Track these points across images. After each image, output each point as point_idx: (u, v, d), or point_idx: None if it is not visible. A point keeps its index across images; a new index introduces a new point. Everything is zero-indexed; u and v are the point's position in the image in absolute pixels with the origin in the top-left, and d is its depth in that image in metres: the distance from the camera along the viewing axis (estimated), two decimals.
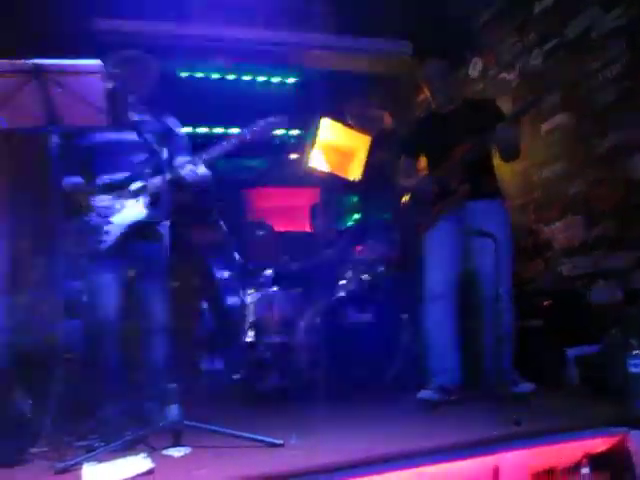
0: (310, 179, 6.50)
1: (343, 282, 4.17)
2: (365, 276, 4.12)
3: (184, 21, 4.37)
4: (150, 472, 1.74)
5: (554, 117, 3.74)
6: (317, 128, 6.13)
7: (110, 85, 2.62)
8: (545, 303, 3.35)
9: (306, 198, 6.71)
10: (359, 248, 4.28)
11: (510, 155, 2.96)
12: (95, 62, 2.05)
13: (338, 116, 6.01)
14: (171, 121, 2.81)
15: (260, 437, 1.98)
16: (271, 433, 2.26)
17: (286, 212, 6.70)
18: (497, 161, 3.08)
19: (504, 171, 3.35)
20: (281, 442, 1.97)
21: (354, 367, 3.74)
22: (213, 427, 2.07)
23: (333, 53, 4.84)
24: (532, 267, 3.86)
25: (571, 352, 3.03)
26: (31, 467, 1.92)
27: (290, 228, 6.01)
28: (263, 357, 4.19)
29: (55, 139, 2.29)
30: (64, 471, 1.83)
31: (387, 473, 1.70)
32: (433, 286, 2.95)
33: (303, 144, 6.64)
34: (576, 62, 3.54)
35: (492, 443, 1.98)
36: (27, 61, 1.99)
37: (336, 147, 6.47)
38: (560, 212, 3.73)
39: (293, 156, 6.99)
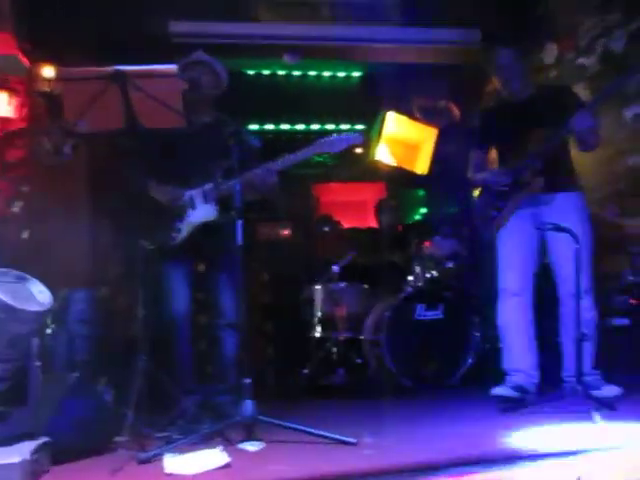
0: (376, 174, 6.46)
1: (411, 278, 4.13)
2: (433, 272, 4.05)
3: (251, 20, 4.43)
4: (227, 466, 1.78)
5: (638, 103, 3.53)
6: (383, 122, 6.08)
7: (184, 86, 2.72)
8: (632, 301, 3.18)
9: (372, 193, 6.69)
10: (427, 244, 4.20)
11: (589, 145, 2.83)
12: (171, 66, 2.11)
13: (404, 109, 5.93)
14: (240, 124, 2.86)
15: (334, 435, 1.99)
16: (341, 430, 2.29)
17: (353, 207, 6.70)
18: (575, 151, 2.95)
19: (584, 160, 3.19)
20: (354, 441, 1.96)
21: (422, 365, 3.70)
22: (287, 423, 2.09)
23: (399, 46, 4.77)
24: (616, 263, 3.66)
25: None
26: (116, 456, 1.99)
27: (357, 224, 6.00)
28: (330, 352, 4.22)
29: (132, 140, 2.39)
30: (147, 461, 1.90)
31: (467, 476, 1.66)
32: (507, 284, 2.86)
33: (369, 138, 6.61)
34: None
35: (574, 449, 1.90)
36: (108, 67, 2.07)
37: (402, 140, 6.38)
38: None
39: (359, 151, 6.98)
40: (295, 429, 2.07)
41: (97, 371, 2.87)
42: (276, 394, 4.05)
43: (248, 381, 2.13)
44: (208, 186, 2.75)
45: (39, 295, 1.69)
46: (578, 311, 2.49)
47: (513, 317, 2.81)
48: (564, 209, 2.80)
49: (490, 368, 3.28)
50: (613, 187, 3.76)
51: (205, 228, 2.75)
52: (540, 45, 4.39)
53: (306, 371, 4.25)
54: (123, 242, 2.63)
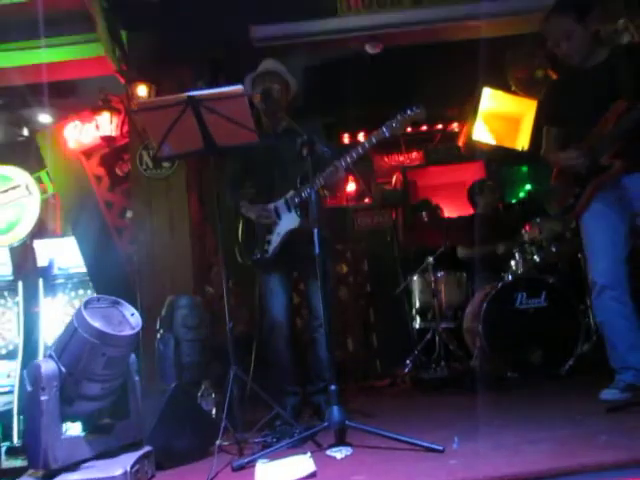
0: (474, 153, 6.23)
1: (513, 264, 3.95)
2: (535, 258, 3.85)
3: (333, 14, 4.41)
4: (313, 475, 1.83)
5: None
6: (478, 99, 5.84)
7: (258, 98, 2.79)
8: None
9: (471, 173, 6.47)
10: (527, 227, 3.99)
11: None
12: (237, 86, 2.18)
13: (500, 83, 5.65)
14: (313, 129, 2.88)
15: (419, 442, 1.97)
16: (436, 429, 2.28)
17: (452, 189, 6.52)
18: None
19: None
20: (441, 448, 1.93)
21: (527, 355, 3.54)
22: (373, 429, 2.11)
23: (484, 21, 4.52)
24: None
25: None
26: (212, 462, 2.11)
27: (456, 206, 5.84)
28: (430, 343, 4.18)
29: (217, 157, 2.50)
30: (241, 468, 2.01)
31: None
32: (598, 277, 2.63)
33: (465, 118, 6.38)
34: None
35: None
36: (181, 94, 2.18)
37: (501, 116, 6.10)
38: None
39: (456, 131, 6.78)
40: (381, 435, 2.08)
41: (201, 374, 3.06)
42: (380, 388, 4.08)
43: (334, 387, 2.16)
44: (290, 195, 2.82)
45: (131, 318, 1.83)
46: None
47: (611, 312, 2.59)
48: None
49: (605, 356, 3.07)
50: None
51: (292, 235, 2.83)
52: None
53: (408, 362, 4.26)
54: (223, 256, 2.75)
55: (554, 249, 3.82)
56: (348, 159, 2.63)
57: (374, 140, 2.59)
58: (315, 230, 2.23)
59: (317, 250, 2.22)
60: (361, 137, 6.52)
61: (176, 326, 3.29)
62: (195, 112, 2.21)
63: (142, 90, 4.02)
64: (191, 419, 2.25)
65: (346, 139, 6.67)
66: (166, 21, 4.10)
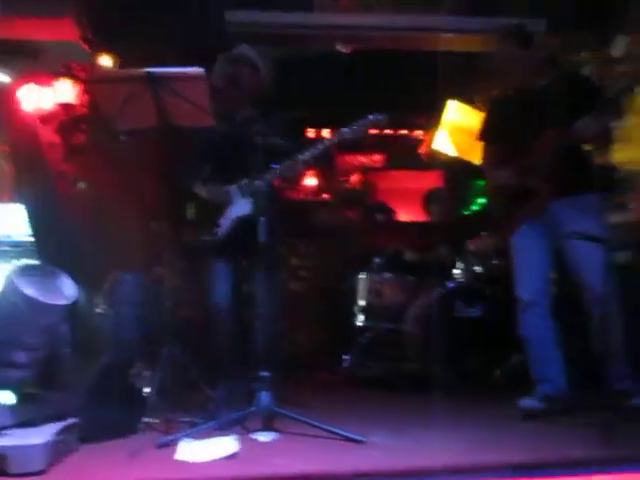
0: (435, 162, 6.36)
1: (457, 272, 4.07)
2: (478, 268, 3.98)
3: (310, 10, 4.43)
4: (234, 455, 1.87)
5: None
6: (443, 110, 5.96)
7: (219, 84, 2.80)
8: None
9: (430, 182, 6.59)
10: (474, 238, 4.12)
11: (597, 145, 2.69)
12: (199, 69, 2.19)
13: (466, 97, 5.78)
14: (279, 119, 2.91)
15: (342, 432, 2.04)
16: (363, 424, 2.34)
17: (409, 196, 6.63)
18: (634, 149, 2.76)
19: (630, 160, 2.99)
20: (363, 439, 2.00)
21: (461, 362, 3.66)
22: (299, 416, 2.16)
23: (461, 35, 4.64)
24: None
25: None
26: (138, 438, 2.13)
27: (413, 212, 5.94)
28: (370, 342, 4.25)
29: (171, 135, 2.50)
30: (165, 445, 2.03)
31: None
32: (523, 294, 2.77)
33: (430, 126, 6.49)
34: None
35: (586, 463, 1.86)
36: (139, 70, 2.17)
37: (464, 129, 6.22)
38: None
39: (419, 139, 6.89)
40: (307, 422, 2.13)
41: (135, 353, 3.04)
42: (317, 380, 4.14)
43: (265, 374, 2.20)
44: (244, 182, 2.83)
45: (66, 289, 1.82)
46: (605, 316, 2.36)
47: (534, 328, 2.74)
48: (578, 213, 2.63)
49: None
50: None
51: (242, 222, 2.85)
52: (608, 36, 4.13)
53: (346, 358, 4.33)
54: (173, 234, 2.77)
55: (495, 262, 3.95)
56: (308, 155, 2.67)
57: (335, 140, 2.65)
58: (262, 219, 2.26)
59: (263, 238, 2.25)
60: (326, 133, 6.59)
61: (118, 302, 3.26)
62: (152, 89, 2.21)
63: (106, 61, 3.95)
64: (121, 396, 2.25)
65: (312, 134, 6.72)
66: None
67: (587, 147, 2.70)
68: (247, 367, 3.02)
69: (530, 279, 2.76)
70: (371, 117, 2.59)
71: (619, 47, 4.09)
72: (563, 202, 2.67)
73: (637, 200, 3.76)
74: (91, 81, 3.54)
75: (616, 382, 2.54)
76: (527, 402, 2.67)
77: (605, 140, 2.64)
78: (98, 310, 3.28)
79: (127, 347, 3.13)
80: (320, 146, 2.65)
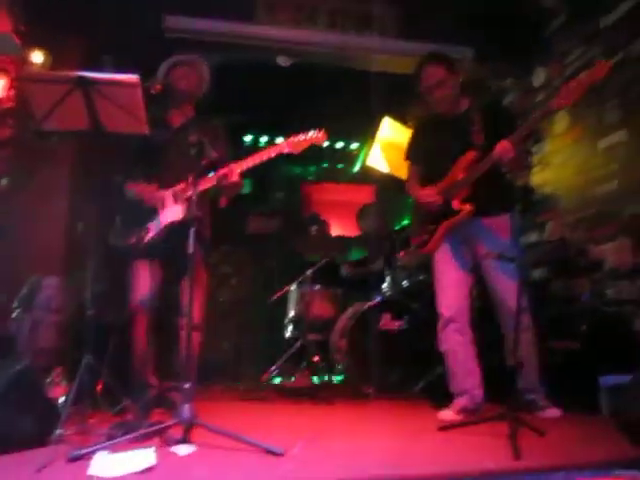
0: (368, 177, 6.50)
1: (385, 286, 4.18)
2: (405, 283, 4.11)
3: (250, 21, 4.45)
4: (151, 469, 1.84)
5: (613, 134, 3.57)
6: (378, 127, 6.10)
7: (158, 88, 2.77)
8: (583, 327, 3.22)
9: (363, 196, 6.73)
10: (401, 254, 4.25)
11: (513, 170, 2.83)
12: (134, 76, 2.16)
13: (400, 116, 5.95)
14: (217, 125, 2.92)
15: (261, 444, 2.05)
16: (283, 434, 2.38)
17: (343, 208, 6.75)
18: (551, 172, 2.95)
19: (560, 184, 3.19)
20: (281, 451, 2.02)
21: (384, 373, 3.76)
22: (218, 429, 2.15)
23: (396, 57, 4.79)
24: (577, 286, 3.72)
25: (604, 380, 2.89)
26: (50, 450, 2.04)
27: (346, 225, 6.04)
28: (297, 353, 4.29)
29: (108, 139, 2.45)
30: (78, 458, 1.96)
31: None
32: (443, 310, 2.90)
33: (363, 142, 6.64)
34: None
35: (496, 474, 1.95)
36: (71, 72, 2.13)
37: (397, 146, 6.38)
38: (613, 232, 3.57)
39: (355, 153, 7.03)
40: (226, 434, 2.13)
41: (56, 360, 2.94)
42: (241, 391, 4.12)
43: (188, 385, 2.19)
44: (178, 188, 2.81)
45: None
46: (518, 332, 2.43)
47: (453, 343, 2.87)
48: (496, 232, 2.79)
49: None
50: (584, 212, 3.81)
51: (172, 229, 2.82)
52: (531, 68, 4.41)
53: (274, 369, 4.35)
54: (99, 235, 2.71)
55: (421, 277, 4.09)
56: (244, 166, 2.69)
57: (272, 154, 2.68)
58: (192, 229, 2.25)
59: (191, 249, 2.25)
60: (263, 139, 6.65)
61: (37, 307, 3.14)
62: (84, 93, 2.16)
63: (38, 57, 3.81)
64: (33, 405, 2.16)
65: (250, 141, 6.73)
66: None
67: (506, 170, 2.84)
68: (167, 377, 3.00)
69: (451, 296, 2.88)
70: (310, 134, 2.64)
71: (539, 77, 4.37)
72: (481, 222, 2.82)
73: (554, 220, 4.01)
74: (22, 79, 3.40)
75: (526, 394, 2.70)
76: (445, 414, 2.79)
77: (522, 164, 2.78)
78: (13, 315, 3.15)
79: (45, 354, 3.02)
80: (257, 158, 2.68)
